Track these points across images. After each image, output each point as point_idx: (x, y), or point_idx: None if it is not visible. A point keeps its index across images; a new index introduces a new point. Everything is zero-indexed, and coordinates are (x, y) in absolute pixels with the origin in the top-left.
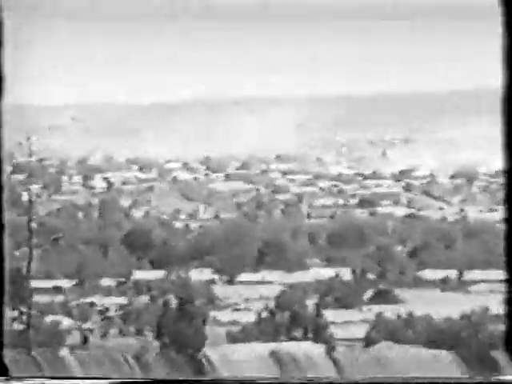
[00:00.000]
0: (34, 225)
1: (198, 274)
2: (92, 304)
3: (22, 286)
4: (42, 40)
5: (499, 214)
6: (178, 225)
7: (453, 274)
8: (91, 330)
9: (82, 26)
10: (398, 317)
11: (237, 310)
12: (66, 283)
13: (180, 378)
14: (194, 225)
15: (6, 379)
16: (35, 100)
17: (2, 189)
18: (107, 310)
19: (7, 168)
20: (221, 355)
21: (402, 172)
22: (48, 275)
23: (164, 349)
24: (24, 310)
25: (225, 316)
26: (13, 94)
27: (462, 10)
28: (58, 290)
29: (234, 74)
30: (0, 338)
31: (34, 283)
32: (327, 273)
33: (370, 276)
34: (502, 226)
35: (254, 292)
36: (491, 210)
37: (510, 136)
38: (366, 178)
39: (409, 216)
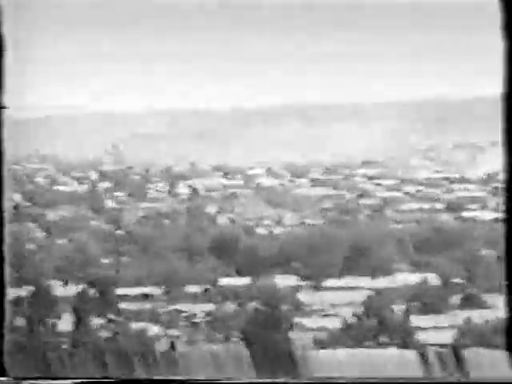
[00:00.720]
0: (120, 232)
1: (284, 281)
2: (179, 311)
3: (109, 294)
4: (120, 50)
5: None
6: (263, 231)
7: None
8: (178, 337)
9: (156, 27)
10: (486, 322)
11: (323, 316)
12: (153, 290)
13: (180, 378)
14: (278, 231)
15: (7, 380)
16: (121, 108)
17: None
18: (194, 316)
19: (94, 175)
20: (309, 360)
21: (489, 176)
22: (136, 282)
23: (251, 355)
24: (112, 317)
25: (311, 322)
26: (99, 102)
27: None
28: (145, 297)
29: (318, 79)
30: (1, 338)
31: (122, 290)
32: (414, 278)
33: (458, 281)
34: None
35: (339, 298)
36: None
37: (510, 136)
38: (452, 182)
39: (496, 220)
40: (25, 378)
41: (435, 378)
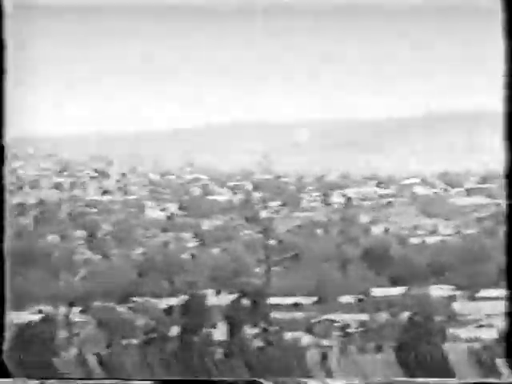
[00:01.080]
0: (272, 242)
1: (438, 291)
2: (332, 321)
3: (262, 303)
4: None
5: None
6: (416, 241)
7: None
8: (331, 347)
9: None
10: None
11: (478, 326)
12: (305, 300)
13: (180, 378)
14: (432, 240)
15: (7, 380)
16: (272, 119)
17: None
18: (347, 326)
19: (247, 185)
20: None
21: None
22: (288, 292)
23: (402, 365)
24: (265, 326)
25: (466, 332)
26: (252, 113)
27: None
28: (297, 306)
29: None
30: (0, 339)
31: (274, 300)
32: None
33: None
34: None
35: (495, 308)
36: None
37: (509, 136)
38: None
39: None
40: (25, 379)
41: (436, 380)
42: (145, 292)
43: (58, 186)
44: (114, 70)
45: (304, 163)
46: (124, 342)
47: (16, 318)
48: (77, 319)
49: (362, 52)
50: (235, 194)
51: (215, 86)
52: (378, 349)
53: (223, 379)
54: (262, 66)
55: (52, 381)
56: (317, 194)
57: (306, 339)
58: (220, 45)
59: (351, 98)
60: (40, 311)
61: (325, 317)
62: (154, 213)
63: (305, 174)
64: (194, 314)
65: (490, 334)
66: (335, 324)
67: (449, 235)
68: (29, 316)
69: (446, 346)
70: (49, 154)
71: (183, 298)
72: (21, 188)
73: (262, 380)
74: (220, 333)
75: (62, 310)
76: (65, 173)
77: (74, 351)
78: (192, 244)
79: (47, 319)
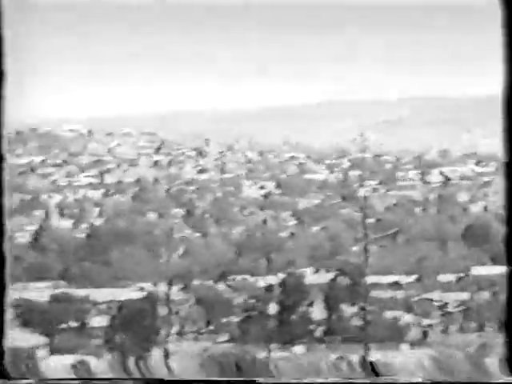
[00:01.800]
0: (370, 220)
1: None
2: (431, 300)
3: (360, 282)
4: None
5: None
6: None
7: None
8: (431, 326)
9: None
10: None
11: None
12: (404, 279)
13: (180, 379)
14: None
15: (5, 381)
16: (367, 96)
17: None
18: (447, 305)
19: (344, 163)
20: None
21: None
22: (386, 271)
23: (507, 345)
24: (363, 305)
25: None
26: (342, 93)
27: None
28: (396, 285)
29: None
30: (0, 340)
31: (372, 279)
32: None
33: None
34: None
35: None
36: None
37: (510, 135)
38: None
39: None
40: (22, 380)
41: (435, 379)
42: (243, 270)
43: (155, 165)
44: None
45: (402, 141)
46: (223, 319)
47: (117, 295)
48: (177, 297)
49: None
50: (332, 172)
51: (311, 63)
52: (479, 328)
53: (223, 379)
54: (360, 44)
55: (51, 381)
56: (415, 172)
57: (406, 318)
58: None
59: (450, 76)
60: (141, 289)
61: (425, 295)
62: (251, 191)
63: (403, 151)
64: (292, 292)
65: None
66: (435, 303)
67: None
68: (130, 293)
69: None
70: (147, 133)
71: (281, 276)
72: (118, 166)
73: (262, 380)
74: (318, 311)
75: (162, 287)
76: (162, 151)
77: (174, 329)
78: (290, 222)
79: (148, 297)
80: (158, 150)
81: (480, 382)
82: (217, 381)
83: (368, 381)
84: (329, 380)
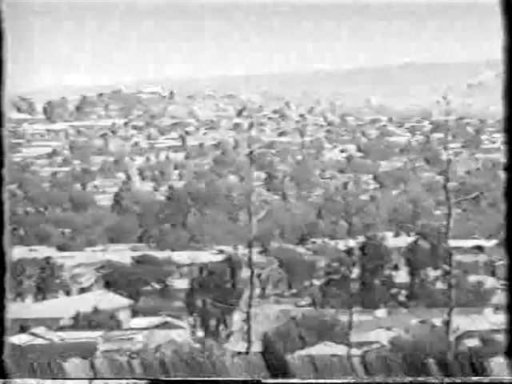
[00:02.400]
0: (452, 184)
1: None
2: None
3: (442, 246)
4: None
5: None
6: None
7: None
8: None
9: None
10: None
11: None
12: (487, 243)
13: (180, 379)
14: None
15: (4, 381)
16: (450, 57)
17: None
18: None
19: (426, 126)
20: None
21: None
22: (469, 235)
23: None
24: (447, 268)
25: None
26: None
27: None
28: (479, 249)
29: None
30: (1, 339)
31: (455, 243)
32: None
33: None
34: None
35: None
36: None
37: (509, 135)
38: None
39: None
40: (22, 379)
41: (436, 379)
42: (322, 233)
43: (236, 127)
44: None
45: (486, 104)
46: (305, 282)
47: (198, 258)
48: (258, 260)
49: None
50: (414, 135)
51: (389, 26)
52: None
53: (223, 379)
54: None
55: (50, 381)
56: (498, 135)
57: (489, 282)
58: None
59: None
60: (221, 251)
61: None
62: (331, 154)
63: (487, 115)
64: (373, 255)
65: None
66: None
67: None
68: (211, 256)
69: None
70: (228, 95)
71: (361, 239)
72: (198, 129)
73: (262, 380)
74: (401, 275)
75: (242, 250)
76: (242, 114)
77: (256, 291)
78: (371, 186)
79: (229, 259)
80: (239, 113)
81: (480, 382)
82: (217, 380)
83: (368, 381)
84: (334, 380)
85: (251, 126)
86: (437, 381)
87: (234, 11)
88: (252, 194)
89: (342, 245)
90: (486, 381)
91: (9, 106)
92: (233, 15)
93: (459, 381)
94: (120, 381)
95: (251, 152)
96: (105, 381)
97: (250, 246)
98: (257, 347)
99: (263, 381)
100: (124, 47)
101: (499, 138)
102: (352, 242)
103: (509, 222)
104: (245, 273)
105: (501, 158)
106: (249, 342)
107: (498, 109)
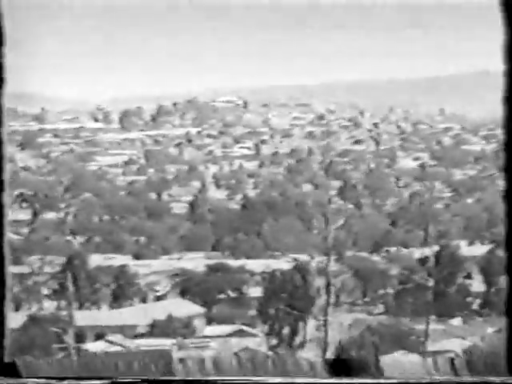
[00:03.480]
0: None
1: None
2: None
3: None
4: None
5: None
6: None
7: None
8: None
9: None
10: None
11: None
12: None
13: (180, 378)
14: None
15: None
16: None
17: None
18: None
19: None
20: None
21: None
22: None
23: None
24: None
25: None
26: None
27: None
28: None
29: None
30: (1, 338)
31: None
32: None
33: None
34: None
35: None
36: None
37: (510, 135)
38: None
39: None
40: (22, 378)
41: (435, 379)
42: (397, 242)
43: (310, 135)
44: None
45: None
46: (379, 291)
47: (272, 266)
48: (332, 268)
49: None
50: (489, 143)
51: (463, 32)
52: None
53: (223, 379)
54: None
55: (50, 381)
56: None
57: None
58: None
59: None
60: (295, 259)
61: None
62: (405, 162)
63: None
64: (447, 264)
65: None
66: None
67: None
68: (285, 264)
69: None
70: (301, 104)
71: (436, 248)
72: (272, 137)
73: (262, 379)
74: (476, 284)
75: (317, 258)
76: (316, 122)
77: (331, 299)
78: (445, 194)
79: (303, 267)
80: (313, 122)
81: (480, 382)
82: (217, 381)
83: (369, 381)
84: (342, 380)
85: (325, 134)
86: (440, 381)
87: (308, 19)
88: (326, 202)
89: (416, 253)
90: (485, 381)
91: (86, 115)
92: (307, 24)
93: (460, 381)
94: (115, 380)
95: (325, 160)
96: (101, 381)
97: (326, 254)
98: (331, 355)
99: (270, 380)
100: (197, 56)
101: None
102: (427, 251)
103: (509, 221)
104: (317, 281)
105: None
106: (325, 349)
107: None
